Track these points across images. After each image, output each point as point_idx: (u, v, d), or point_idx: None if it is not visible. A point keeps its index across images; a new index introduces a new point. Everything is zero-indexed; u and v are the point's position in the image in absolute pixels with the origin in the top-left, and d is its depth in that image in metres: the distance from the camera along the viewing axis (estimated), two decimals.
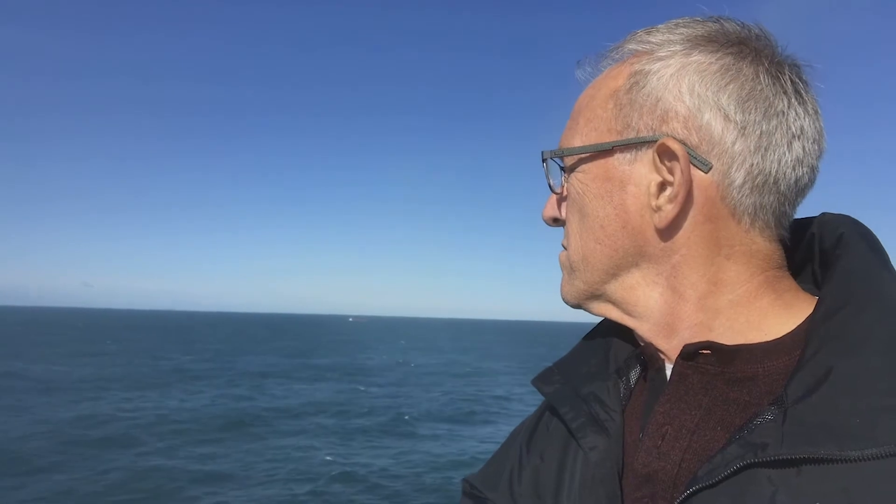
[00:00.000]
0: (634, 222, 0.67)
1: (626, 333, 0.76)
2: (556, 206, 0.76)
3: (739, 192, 0.62)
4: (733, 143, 0.62)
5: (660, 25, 0.69)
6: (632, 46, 0.69)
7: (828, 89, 0.67)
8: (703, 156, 0.62)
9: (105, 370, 32.22)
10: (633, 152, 0.66)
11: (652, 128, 0.65)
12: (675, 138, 0.63)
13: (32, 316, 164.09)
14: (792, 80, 0.64)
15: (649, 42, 0.67)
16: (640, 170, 0.66)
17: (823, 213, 0.70)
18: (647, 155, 0.65)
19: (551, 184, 0.75)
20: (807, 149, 0.64)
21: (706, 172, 0.63)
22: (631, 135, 0.66)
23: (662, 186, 0.64)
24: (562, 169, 0.74)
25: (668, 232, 0.65)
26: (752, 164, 0.62)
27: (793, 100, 0.63)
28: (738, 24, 0.66)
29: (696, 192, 0.63)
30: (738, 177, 0.62)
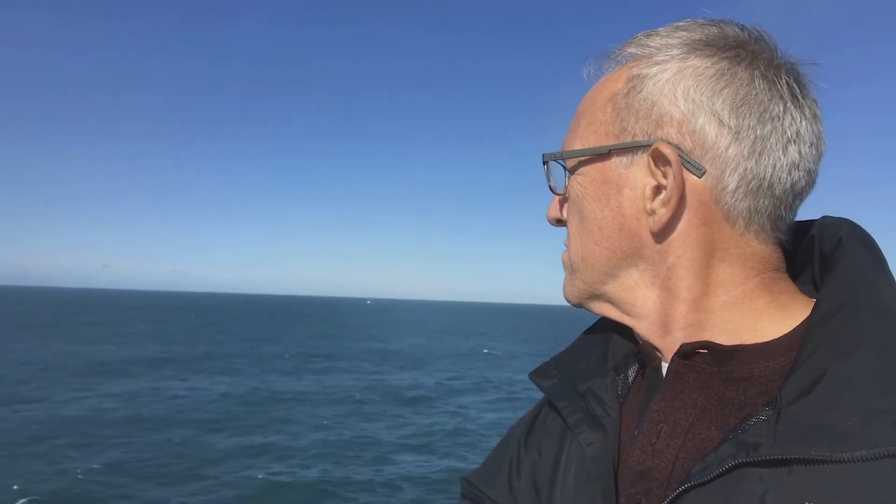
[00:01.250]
0: (630, 225, 0.68)
1: (625, 331, 0.77)
2: (558, 207, 0.78)
3: (733, 196, 0.63)
4: (727, 148, 0.62)
5: (660, 29, 0.69)
6: (632, 50, 0.69)
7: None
8: (697, 160, 0.63)
9: (143, 351, 33.36)
10: (630, 156, 0.67)
11: (647, 132, 0.65)
12: (668, 143, 0.63)
13: (58, 296, 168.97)
14: (789, 84, 0.64)
15: (648, 46, 0.68)
16: (636, 173, 0.67)
17: (824, 217, 0.70)
18: (643, 159, 0.66)
19: (552, 186, 0.77)
20: (803, 153, 0.64)
21: (700, 177, 0.63)
22: (627, 139, 0.67)
23: (657, 190, 0.65)
24: (565, 170, 0.75)
25: (662, 235, 0.66)
26: (746, 169, 0.62)
27: (789, 104, 0.63)
28: (738, 28, 0.66)
29: (690, 196, 0.64)
30: (732, 181, 0.62)
